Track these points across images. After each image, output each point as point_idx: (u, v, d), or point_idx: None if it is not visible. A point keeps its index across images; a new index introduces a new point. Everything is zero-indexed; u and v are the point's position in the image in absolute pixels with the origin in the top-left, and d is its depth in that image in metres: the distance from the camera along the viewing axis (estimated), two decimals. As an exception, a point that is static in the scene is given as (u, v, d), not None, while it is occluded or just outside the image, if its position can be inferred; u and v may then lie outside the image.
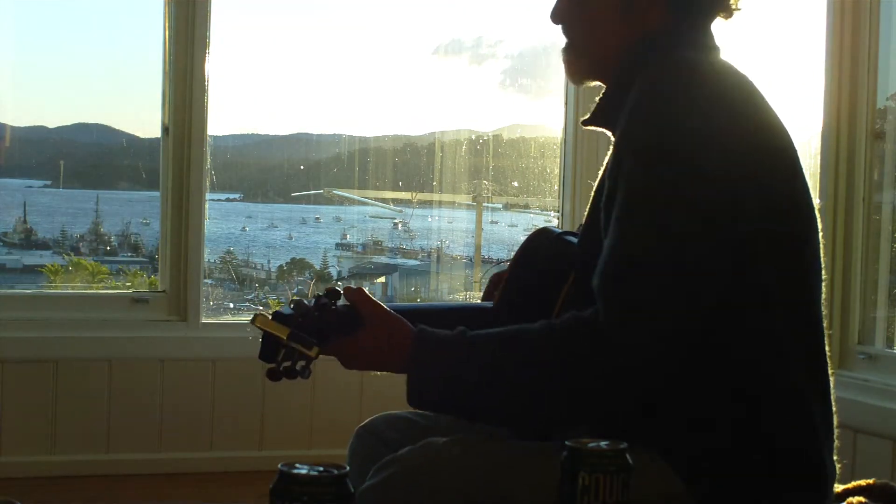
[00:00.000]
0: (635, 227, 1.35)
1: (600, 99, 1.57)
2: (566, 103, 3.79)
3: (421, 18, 4.04)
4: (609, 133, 1.58)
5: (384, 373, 1.51)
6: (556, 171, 3.90)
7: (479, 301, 1.84)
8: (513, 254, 1.76)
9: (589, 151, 3.74)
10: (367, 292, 1.51)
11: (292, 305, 1.48)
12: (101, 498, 3.14)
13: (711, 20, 1.55)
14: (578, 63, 1.60)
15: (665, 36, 1.51)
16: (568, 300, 1.57)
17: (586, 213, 1.63)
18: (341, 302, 1.51)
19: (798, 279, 1.44)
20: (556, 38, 1.63)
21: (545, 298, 1.61)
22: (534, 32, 4.05)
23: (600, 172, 1.64)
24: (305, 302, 1.48)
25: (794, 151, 1.45)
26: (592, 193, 1.65)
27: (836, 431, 1.51)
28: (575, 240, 1.69)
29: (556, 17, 1.60)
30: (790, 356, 1.43)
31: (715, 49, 1.53)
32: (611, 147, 1.55)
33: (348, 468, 0.96)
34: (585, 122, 1.61)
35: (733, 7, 1.55)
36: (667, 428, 1.42)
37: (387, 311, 1.50)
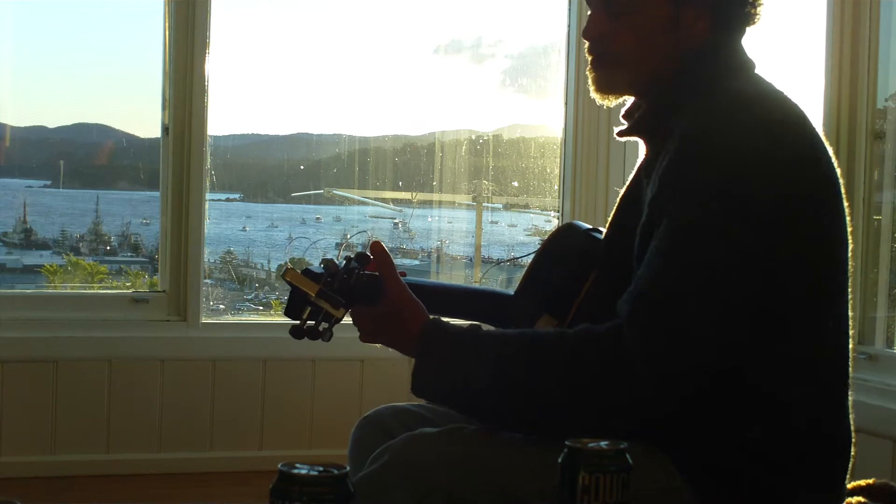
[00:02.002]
0: (679, 262, 1.36)
1: (640, 114, 1.56)
2: (566, 103, 3.79)
3: (421, 18, 4.04)
4: (642, 141, 1.59)
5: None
6: (556, 171, 3.90)
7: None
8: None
9: (589, 151, 3.74)
10: (393, 264, 1.52)
11: (322, 265, 1.49)
12: (101, 498, 3.14)
13: (743, 33, 1.56)
14: (615, 78, 1.56)
15: (712, 57, 1.51)
16: (588, 298, 1.58)
17: (610, 220, 1.64)
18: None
19: (828, 304, 1.45)
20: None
21: (565, 292, 1.61)
22: (534, 32, 4.04)
23: (630, 177, 1.65)
24: (336, 262, 1.49)
25: (837, 179, 1.46)
26: (619, 200, 1.65)
27: (853, 437, 1.52)
28: (601, 236, 1.69)
29: (594, 32, 1.55)
30: (811, 372, 1.44)
31: (753, 65, 1.54)
32: (643, 156, 1.56)
33: (348, 468, 0.96)
34: (622, 133, 1.61)
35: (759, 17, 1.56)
36: (673, 429, 1.42)
37: (405, 292, 1.50)
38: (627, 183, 1.66)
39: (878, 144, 3.13)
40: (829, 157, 1.45)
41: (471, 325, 1.47)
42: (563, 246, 1.70)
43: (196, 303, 3.40)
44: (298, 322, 1.46)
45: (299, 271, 1.46)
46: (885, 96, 3.15)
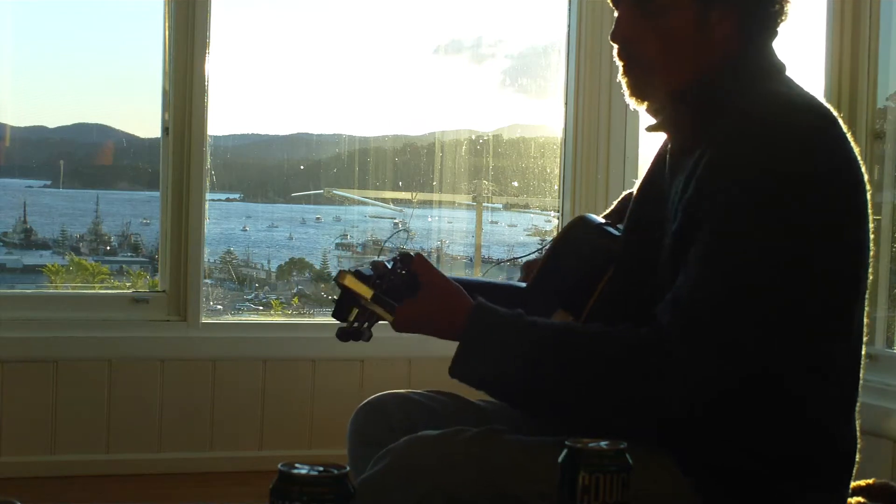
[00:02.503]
0: (718, 270, 1.36)
1: (672, 111, 1.54)
2: (566, 103, 3.79)
3: (421, 18, 4.04)
4: (666, 135, 1.58)
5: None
6: (556, 171, 3.90)
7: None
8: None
9: (589, 151, 3.74)
10: (426, 259, 1.55)
11: (371, 266, 1.51)
12: (101, 498, 3.13)
13: (775, 35, 1.55)
14: (649, 82, 1.55)
15: (749, 58, 1.50)
16: (604, 296, 1.58)
17: (628, 216, 1.63)
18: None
19: (850, 312, 1.46)
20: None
21: (580, 288, 1.61)
22: (534, 32, 4.04)
23: (647, 170, 1.64)
24: (385, 264, 1.51)
25: (866, 183, 1.47)
26: (636, 194, 1.64)
27: (859, 441, 1.52)
28: (615, 231, 1.69)
29: (621, 35, 1.54)
30: (830, 375, 1.45)
31: (784, 66, 1.54)
32: (665, 149, 1.55)
33: (348, 468, 0.96)
34: (651, 128, 1.60)
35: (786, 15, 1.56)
36: (679, 429, 1.42)
37: (445, 279, 1.53)
38: (644, 176, 1.65)
39: (878, 144, 3.13)
40: (859, 161, 1.46)
41: (516, 311, 1.47)
42: (576, 240, 1.70)
43: (196, 303, 3.40)
44: (346, 324, 1.48)
45: (352, 273, 1.48)
46: (885, 96, 3.15)
